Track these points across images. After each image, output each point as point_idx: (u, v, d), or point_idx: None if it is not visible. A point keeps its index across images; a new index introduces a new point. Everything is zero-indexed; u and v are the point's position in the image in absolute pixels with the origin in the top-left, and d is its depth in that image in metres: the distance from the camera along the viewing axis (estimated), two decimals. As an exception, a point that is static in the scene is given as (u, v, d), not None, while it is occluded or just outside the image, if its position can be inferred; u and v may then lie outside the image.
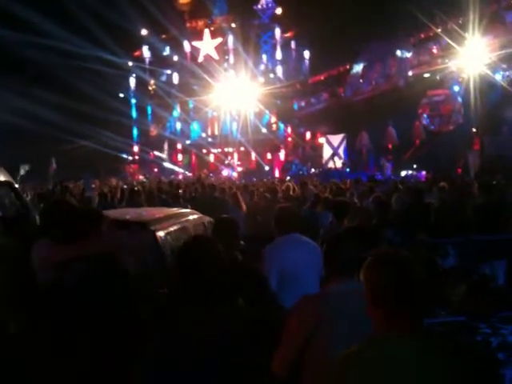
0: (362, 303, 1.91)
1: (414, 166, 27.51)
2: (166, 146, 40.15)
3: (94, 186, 16.95)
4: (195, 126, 40.67)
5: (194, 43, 40.16)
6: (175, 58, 40.45)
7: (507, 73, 26.29)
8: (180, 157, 40.70)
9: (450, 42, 27.20)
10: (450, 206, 7.33)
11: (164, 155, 39.85)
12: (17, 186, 7.53)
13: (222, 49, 40.20)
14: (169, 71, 40.93)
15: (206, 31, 40.04)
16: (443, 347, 1.78)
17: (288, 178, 23.32)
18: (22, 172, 21.27)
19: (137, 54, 41.12)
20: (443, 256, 4.84)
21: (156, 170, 38.52)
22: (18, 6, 27.21)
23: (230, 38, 39.37)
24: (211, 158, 38.75)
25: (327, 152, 33.20)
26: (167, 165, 39.08)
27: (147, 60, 41.13)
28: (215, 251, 2.63)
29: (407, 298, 1.80)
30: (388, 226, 5.39)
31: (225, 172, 35.34)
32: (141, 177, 33.22)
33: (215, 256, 2.60)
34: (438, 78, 29.74)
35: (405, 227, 5.52)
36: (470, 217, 6.28)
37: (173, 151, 40.69)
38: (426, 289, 1.83)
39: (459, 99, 28.65)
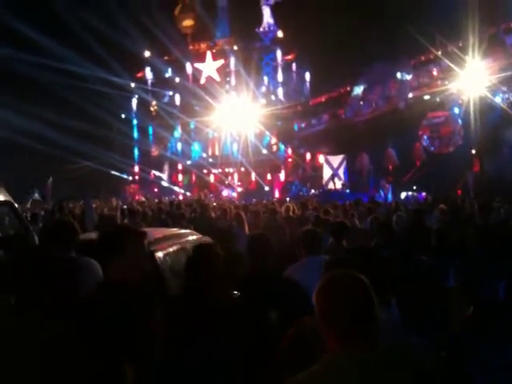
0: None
1: (414, 188, 27.51)
2: (166, 167, 40.27)
3: (94, 205, 16.93)
4: (196, 147, 40.86)
5: (196, 65, 40.57)
6: (177, 79, 40.83)
7: (507, 95, 26.43)
8: (180, 177, 40.80)
9: (450, 64, 27.42)
10: (451, 228, 7.30)
11: (164, 175, 39.93)
12: (16, 205, 7.52)
13: (223, 71, 40.64)
14: (171, 92, 41.29)
15: (208, 53, 40.51)
16: (395, 366, 1.77)
17: (288, 198, 23.30)
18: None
19: (139, 75, 41.51)
20: (444, 277, 4.81)
21: (156, 190, 38.55)
22: (21, 26, 27.56)
23: (232, 60, 39.82)
24: (211, 178, 38.84)
25: (327, 173, 33.24)
26: (167, 185, 39.15)
27: (149, 81, 41.54)
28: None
29: (358, 320, 1.79)
30: (387, 246, 5.37)
31: (225, 192, 35.38)
32: (141, 197, 33.24)
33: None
34: (438, 99, 29.89)
35: (405, 248, 5.50)
36: (470, 238, 6.26)
37: (173, 171, 40.79)
38: (377, 308, 1.81)
39: (459, 121, 28.75)
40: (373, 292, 1.84)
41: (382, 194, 25.55)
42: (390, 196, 25.17)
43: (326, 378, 1.75)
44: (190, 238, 5.74)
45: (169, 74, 41.11)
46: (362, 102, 34.99)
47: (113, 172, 35.91)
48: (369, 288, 1.84)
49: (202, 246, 3.19)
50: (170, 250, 4.83)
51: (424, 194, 23.72)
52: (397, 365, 1.77)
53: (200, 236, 6.01)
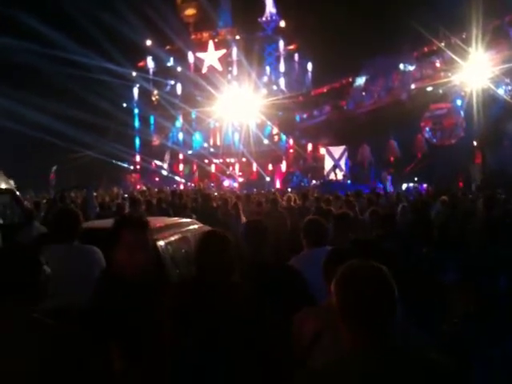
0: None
1: (416, 179, 27.51)
2: (167, 156, 40.24)
3: (95, 194, 16.93)
4: (197, 137, 40.81)
5: (198, 54, 40.42)
6: (179, 68, 40.70)
7: (510, 87, 26.35)
8: (181, 167, 40.79)
9: (453, 56, 27.33)
10: (452, 220, 7.30)
11: (165, 165, 39.91)
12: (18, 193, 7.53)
13: (225, 60, 40.49)
14: (172, 82, 41.19)
15: (211, 43, 40.34)
16: (409, 363, 1.74)
17: (289, 189, 23.31)
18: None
19: (141, 64, 41.37)
20: (443, 271, 4.81)
21: (157, 179, 38.55)
22: (23, 16, 27.49)
23: (234, 50, 39.66)
24: (213, 168, 38.84)
25: (328, 164, 33.21)
26: (168, 174, 39.14)
27: (151, 70, 41.43)
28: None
29: (372, 315, 1.75)
30: (388, 238, 5.35)
31: (226, 182, 35.38)
32: (143, 187, 33.23)
33: None
34: (440, 91, 29.81)
35: (406, 240, 5.49)
36: (470, 232, 6.24)
37: (174, 161, 40.78)
38: (395, 302, 1.77)
39: (461, 113, 28.69)
40: (394, 283, 1.78)
41: (380, 185, 25.58)
42: (390, 187, 25.18)
43: (339, 376, 1.73)
44: (192, 227, 5.74)
45: (170, 63, 40.97)
46: (364, 93, 34.90)
47: (114, 161, 35.90)
48: (390, 279, 1.78)
49: (216, 232, 2.94)
50: (172, 239, 4.83)
51: (425, 185, 23.73)
52: (403, 363, 1.73)
53: (201, 225, 6.01)
